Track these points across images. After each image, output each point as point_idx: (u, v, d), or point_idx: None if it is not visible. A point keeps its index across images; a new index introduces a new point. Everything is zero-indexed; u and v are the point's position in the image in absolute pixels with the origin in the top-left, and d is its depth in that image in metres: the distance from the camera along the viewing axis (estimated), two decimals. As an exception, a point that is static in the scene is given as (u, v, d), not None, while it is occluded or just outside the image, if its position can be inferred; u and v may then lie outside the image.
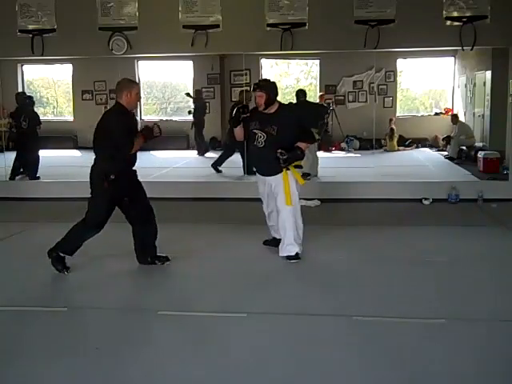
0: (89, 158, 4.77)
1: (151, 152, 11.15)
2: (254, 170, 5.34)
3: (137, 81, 12.15)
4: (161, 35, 7.53)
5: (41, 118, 10.07)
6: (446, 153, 11.77)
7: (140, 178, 4.85)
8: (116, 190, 4.56)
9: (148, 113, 12.73)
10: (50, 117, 12.37)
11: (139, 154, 4.81)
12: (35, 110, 9.87)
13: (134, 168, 4.78)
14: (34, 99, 10.27)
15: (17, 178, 9.20)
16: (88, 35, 7.62)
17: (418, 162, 11.38)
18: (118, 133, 4.49)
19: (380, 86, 12.78)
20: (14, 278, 4.75)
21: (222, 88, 12.76)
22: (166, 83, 14.18)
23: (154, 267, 4.92)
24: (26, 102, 9.56)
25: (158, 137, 4.75)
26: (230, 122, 5.64)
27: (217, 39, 7.48)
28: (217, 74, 12.86)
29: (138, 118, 12.47)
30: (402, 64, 13.07)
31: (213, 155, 11.08)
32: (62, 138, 11.88)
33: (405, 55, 12.33)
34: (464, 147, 11.22)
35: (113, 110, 4.70)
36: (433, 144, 12.90)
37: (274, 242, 5.24)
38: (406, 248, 5.49)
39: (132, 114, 4.83)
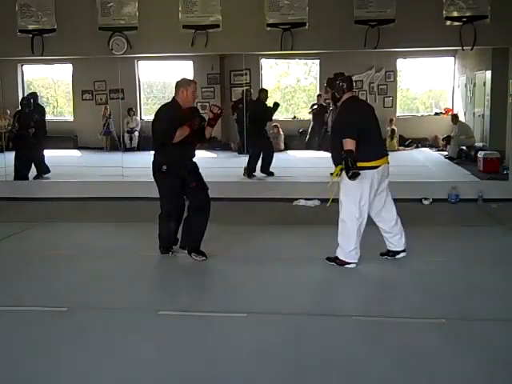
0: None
1: (152, 152, 11.10)
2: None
3: (137, 81, 12.18)
4: (161, 35, 7.53)
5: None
6: (446, 153, 11.76)
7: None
8: (172, 179, 4.77)
9: (148, 113, 12.73)
10: (50, 117, 12.34)
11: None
12: (31, 111, 9.78)
13: (193, 160, 4.99)
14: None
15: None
16: (88, 35, 7.63)
17: (418, 162, 11.37)
18: (158, 124, 4.75)
19: (380, 86, 12.77)
20: (14, 278, 4.75)
21: (222, 88, 12.76)
22: (165, 83, 14.16)
23: (152, 267, 4.97)
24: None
25: (219, 116, 4.86)
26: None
27: (217, 39, 7.48)
28: (217, 74, 12.84)
29: (139, 118, 12.48)
30: (401, 64, 13.05)
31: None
32: (62, 138, 11.83)
33: (405, 55, 12.32)
34: (464, 147, 11.21)
35: (164, 104, 4.98)
36: (433, 144, 12.88)
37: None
38: (406, 248, 5.48)
39: (191, 108, 4.94)
